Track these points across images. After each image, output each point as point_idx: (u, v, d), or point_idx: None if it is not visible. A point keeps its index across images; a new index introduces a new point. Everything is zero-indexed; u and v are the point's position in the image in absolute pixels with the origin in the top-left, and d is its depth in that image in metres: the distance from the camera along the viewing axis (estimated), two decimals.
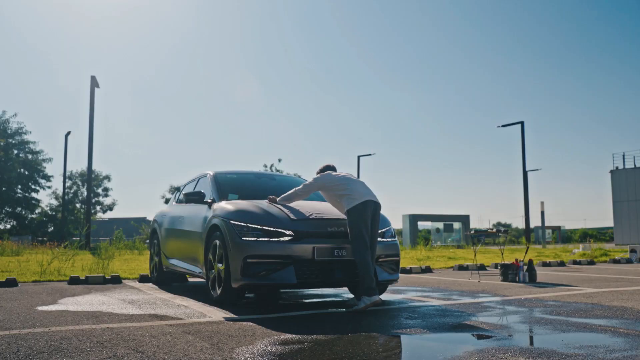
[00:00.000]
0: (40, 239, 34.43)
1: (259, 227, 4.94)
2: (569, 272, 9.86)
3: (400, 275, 8.08)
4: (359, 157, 35.21)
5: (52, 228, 48.75)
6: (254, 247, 4.84)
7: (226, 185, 6.32)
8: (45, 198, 66.95)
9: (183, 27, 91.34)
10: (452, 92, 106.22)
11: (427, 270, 10.15)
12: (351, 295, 6.11)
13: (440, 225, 39.35)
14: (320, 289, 6.87)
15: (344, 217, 5.34)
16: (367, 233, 4.94)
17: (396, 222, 39.84)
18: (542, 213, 41.86)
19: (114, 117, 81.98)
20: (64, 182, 30.59)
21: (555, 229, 60.22)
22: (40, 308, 5.00)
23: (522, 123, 26.55)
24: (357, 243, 4.89)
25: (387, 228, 5.49)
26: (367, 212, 5.00)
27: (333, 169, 5.67)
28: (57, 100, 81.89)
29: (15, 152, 45.32)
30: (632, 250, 13.76)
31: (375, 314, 4.63)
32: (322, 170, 5.63)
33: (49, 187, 48.30)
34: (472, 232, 10.11)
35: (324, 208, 5.65)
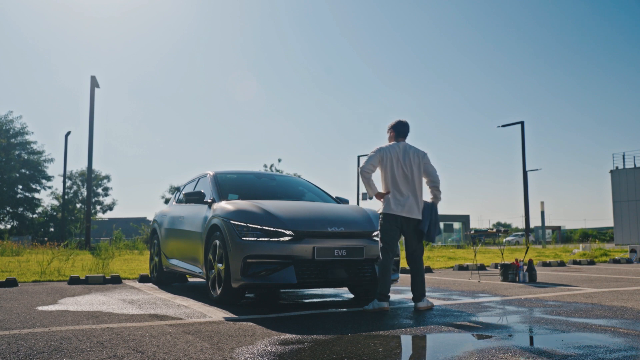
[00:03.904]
0: (40, 239, 34.40)
1: (259, 227, 4.94)
2: (569, 272, 9.86)
3: (400, 275, 8.08)
4: (359, 157, 35.24)
5: (53, 229, 48.74)
6: (254, 247, 4.83)
7: (226, 185, 6.32)
8: (46, 198, 67.01)
9: (183, 27, 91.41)
10: (452, 92, 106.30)
11: (427, 270, 10.15)
12: (351, 295, 6.11)
13: (440, 225, 39.36)
14: (320, 289, 6.87)
15: (344, 217, 5.35)
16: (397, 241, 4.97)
17: None
18: (542, 213, 41.85)
19: (114, 117, 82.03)
20: (64, 182, 30.60)
21: (555, 229, 60.22)
22: (40, 308, 5.00)
23: (522, 123, 26.55)
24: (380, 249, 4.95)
25: None
26: (397, 223, 4.92)
27: (403, 133, 5.10)
28: (57, 100, 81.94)
29: (17, 152, 45.31)
30: (632, 250, 13.76)
31: (376, 314, 4.62)
32: (392, 128, 5.12)
33: (49, 188, 48.32)
34: (472, 232, 10.11)
35: (325, 208, 5.65)
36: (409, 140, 5.17)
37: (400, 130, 5.12)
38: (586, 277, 8.55)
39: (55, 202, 49.54)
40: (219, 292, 5.17)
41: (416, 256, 4.99)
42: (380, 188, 5.06)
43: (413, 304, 5.32)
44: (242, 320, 4.29)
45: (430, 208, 5.03)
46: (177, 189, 8.17)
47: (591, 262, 12.49)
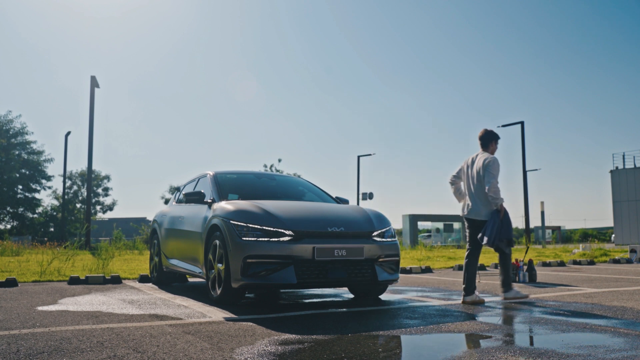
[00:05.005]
0: (40, 239, 34.39)
1: (259, 227, 4.94)
2: (569, 272, 9.86)
3: (400, 275, 8.08)
4: (359, 157, 35.22)
5: (53, 229, 48.73)
6: (254, 247, 4.83)
7: (226, 185, 6.32)
8: (46, 198, 66.96)
9: (183, 27, 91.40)
10: (452, 93, 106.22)
11: (427, 270, 10.15)
12: (351, 295, 6.11)
13: (440, 225, 39.34)
14: (320, 289, 6.87)
15: (344, 217, 5.37)
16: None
17: (396, 222, 39.83)
18: (542, 213, 41.85)
19: (114, 117, 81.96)
20: (64, 182, 30.58)
21: (555, 229, 60.19)
22: (40, 308, 5.00)
23: (522, 123, 26.54)
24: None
25: (387, 228, 5.49)
26: (467, 224, 5.55)
27: (484, 144, 5.57)
28: (57, 100, 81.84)
29: (17, 152, 45.30)
30: (632, 250, 13.76)
31: (375, 314, 4.63)
32: (482, 137, 5.57)
33: (49, 188, 48.31)
34: None
35: (325, 208, 5.65)
36: (501, 145, 5.68)
37: (480, 140, 5.60)
38: (586, 277, 8.55)
39: (55, 202, 49.53)
40: (219, 292, 5.17)
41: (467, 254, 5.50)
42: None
43: (413, 304, 5.34)
44: (242, 320, 4.29)
45: (489, 214, 5.36)
46: (177, 189, 8.17)
47: (591, 262, 12.49)
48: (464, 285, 5.37)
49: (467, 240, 5.54)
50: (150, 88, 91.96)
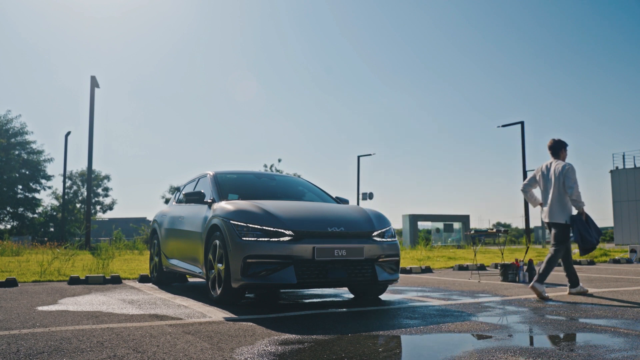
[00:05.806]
0: (40, 239, 34.39)
1: (259, 227, 4.95)
2: None
3: (400, 275, 8.08)
4: (359, 157, 35.24)
5: (53, 229, 48.76)
6: (254, 247, 4.84)
7: (226, 185, 6.33)
8: (46, 198, 67.00)
9: (183, 27, 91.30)
10: (452, 92, 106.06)
11: (427, 270, 10.16)
12: (351, 295, 6.11)
13: (440, 225, 39.35)
14: (320, 289, 6.87)
15: (344, 217, 5.37)
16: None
17: (396, 222, 39.86)
18: None
19: (114, 117, 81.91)
20: (64, 182, 30.58)
21: None
22: (40, 308, 5.00)
23: (522, 123, 26.54)
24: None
25: (387, 228, 5.49)
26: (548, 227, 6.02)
27: (555, 152, 5.97)
28: (57, 100, 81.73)
29: (17, 152, 45.32)
30: (632, 250, 13.76)
31: (375, 314, 4.63)
32: (551, 147, 5.97)
33: (49, 188, 48.34)
34: (472, 232, 10.10)
35: (325, 208, 5.65)
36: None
37: (550, 149, 6.02)
38: (586, 277, 8.56)
39: (55, 202, 49.57)
40: (219, 292, 5.18)
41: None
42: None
43: (413, 304, 5.34)
44: (242, 320, 4.29)
45: (573, 219, 5.74)
46: (177, 189, 8.17)
47: (591, 262, 12.49)
48: (568, 278, 5.97)
49: (553, 241, 5.87)
50: (150, 88, 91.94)
